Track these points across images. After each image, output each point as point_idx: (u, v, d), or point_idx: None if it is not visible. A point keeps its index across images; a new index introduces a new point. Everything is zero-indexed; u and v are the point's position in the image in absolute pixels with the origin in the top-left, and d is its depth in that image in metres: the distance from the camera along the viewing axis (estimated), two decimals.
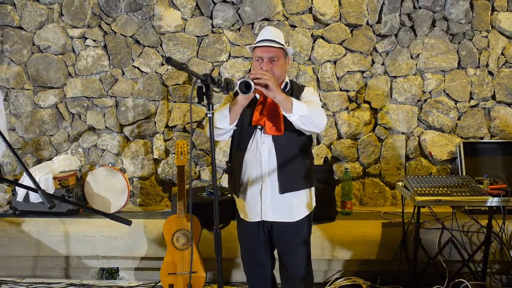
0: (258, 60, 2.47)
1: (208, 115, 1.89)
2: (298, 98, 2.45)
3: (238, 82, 2.17)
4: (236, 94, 2.46)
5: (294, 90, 2.56)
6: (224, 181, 4.16)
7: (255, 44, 2.52)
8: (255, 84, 2.18)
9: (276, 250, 2.71)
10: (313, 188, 2.63)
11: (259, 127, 2.47)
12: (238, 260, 3.57)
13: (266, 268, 2.69)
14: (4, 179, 2.11)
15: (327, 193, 3.64)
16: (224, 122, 2.44)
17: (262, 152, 2.47)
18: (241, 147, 2.53)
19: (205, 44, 4.11)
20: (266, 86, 2.23)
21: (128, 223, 2.11)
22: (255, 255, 2.65)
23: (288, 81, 2.59)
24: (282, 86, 2.51)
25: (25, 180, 3.71)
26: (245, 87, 2.17)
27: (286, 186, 2.47)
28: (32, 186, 2.08)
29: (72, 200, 3.79)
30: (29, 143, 4.26)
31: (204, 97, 1.86)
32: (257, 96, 2.48)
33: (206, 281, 3.36)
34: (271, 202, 2.49)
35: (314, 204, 2.64)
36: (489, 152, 3.92)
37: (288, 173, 2.47)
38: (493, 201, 2.98)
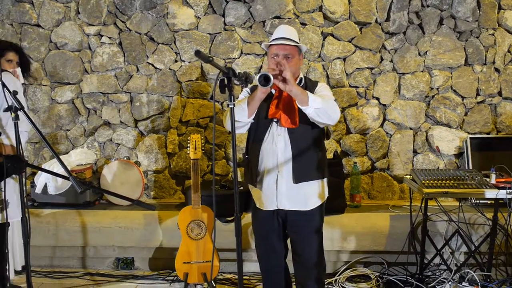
0: (274, 57, 2.58)
1: (230, 106, 2.00)
2: (312, 92, 2.55)
3: (258, 75, 2.28)
4: (252, 90, 2.58)
5: (308, 85, 2.67)
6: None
7: (270, 42, 2.63)
8: (273, 77, 2.29)
9: (289, 239, 2.81)
10: (325, 180, 2.74)
11: (275, 120, 2.59)
12: (250, 251, 3.68)
13: (279, 256, 2.80)
14: (34, 166, 2.23)
15: (337, 186, 3.72)
16: (243, 115, 2.55)
17: (278, 144, 2.58)
18: (257, 139, 2.65)
19: (217, 41, 4.21)
20: (283, 80, 2.34)
21: (152, 208, 2.23)
22: (270, 243, 2.75)
23: (303, 77, 2.71)
24: (297, 82, 2.61)
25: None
26: (264, 80, 2.28)
27: (300, 176, 2.58)
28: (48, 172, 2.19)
29: (89, 192, 3.92)
30: (46, 137, 4.37)
31: (226, 89, 1.97)
32: (273, 91, 2.60)
33: (219, 270, 3.47)
34: (287, 191, 2.60)
35: (326, 195, 2.75)
36: (495, 147, 4.01)
37: (302, 163, 2.58)
38: (499, 194, 3.07)
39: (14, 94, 2.16)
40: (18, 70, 3.45)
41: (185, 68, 4.24)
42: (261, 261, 2.86)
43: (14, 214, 2.71)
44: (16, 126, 2.22)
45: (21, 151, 2.28)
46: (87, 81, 4.31)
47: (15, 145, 2.39)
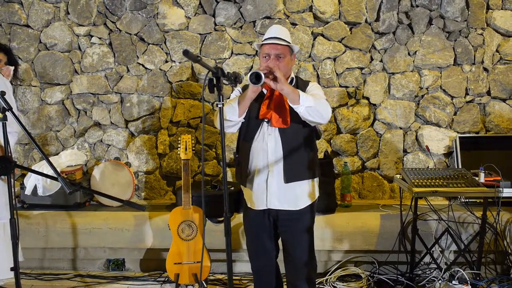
0: (265, 57, 2.58)
1: (219, 106, 2.01)
2: (303, 92, 2.55)
3: (249, 73, 2.28)
4: (244, 89, 2.58)
5: (300, 85, 2.68)
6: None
7: (262, 41, 2.64)
8: (265, 76, 2.29)
9: (280, 239, 2.81)
10: (316, 179, 2.74)
11: (266, 120, 2.59)
12: (241, 251, 3.67)
13: (270, 256, 2.79)
14: (23, 166, 2.21)
15: (327, 186, 3.74)
16: (234, 115, 2.55)
17: (268, 143, 2.58)
18: (248, 138, 2.64)
19: (208, 41, 4.21)
20: (274, 79, 2.35)
21: (143, 208, 2.23)
22: (261, 242, 2.75)
23: (294, 77, 2.72)
24: (288, 81, 2.61)
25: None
26: (256, 78, 2.28)
27: (290, 175, 2.58)
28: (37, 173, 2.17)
29: (79, 193, 3.90)
30: (36, 138, 4.34)
31: (215, 88, 1.97)
32: (264, 91, 2.60)
33: (210, 271, 3.46)
34: (277, 191, 2.60)
35: (317, 194, 2.75)
36: (484, 146, 4.04)
37: (293, 163, 2.58)
38: (487, 193, 3.10)
39: (2, 94, 2.14)
40: (11, 68, 3.43)
41: (176, 68, 4.24)
42: (252, 261, 2.85)
43: (2, 215, 2.69)
44: (4, 127, 2.20)
45: (9, 152, 2.26)
46: (77, 82, 4.29)
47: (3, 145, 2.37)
